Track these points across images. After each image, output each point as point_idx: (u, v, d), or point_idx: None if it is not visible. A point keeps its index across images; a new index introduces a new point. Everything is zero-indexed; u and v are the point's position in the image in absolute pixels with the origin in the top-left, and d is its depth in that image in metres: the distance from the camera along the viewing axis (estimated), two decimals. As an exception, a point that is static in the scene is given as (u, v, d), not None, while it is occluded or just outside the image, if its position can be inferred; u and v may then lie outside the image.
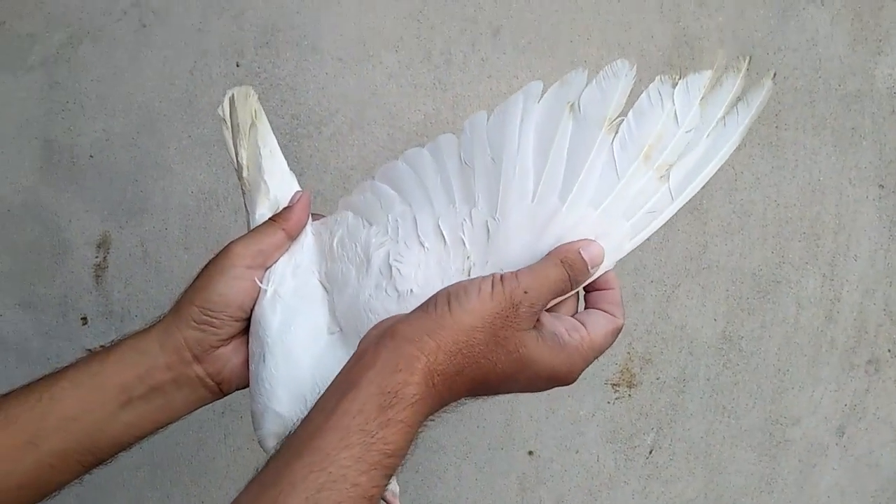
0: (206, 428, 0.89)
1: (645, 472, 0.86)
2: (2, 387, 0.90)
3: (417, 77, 0.85)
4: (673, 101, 0.45)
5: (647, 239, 0.87)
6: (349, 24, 0.84)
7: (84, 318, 0.88)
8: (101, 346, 0.47)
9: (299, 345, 0.46)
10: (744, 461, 0.86)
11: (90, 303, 0.88)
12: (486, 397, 0.42)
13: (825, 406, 0.85)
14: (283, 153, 0.86)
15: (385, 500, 0.46)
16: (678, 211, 0.45)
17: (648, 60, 0.84)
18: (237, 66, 0.86)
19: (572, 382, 0.42)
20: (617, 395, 0.85)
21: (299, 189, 0.51)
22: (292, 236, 0.48)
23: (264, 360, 0.45)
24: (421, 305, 0.41)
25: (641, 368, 0.84)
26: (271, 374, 0.45)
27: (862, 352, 0.84)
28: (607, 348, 0.43)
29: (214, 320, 0.46)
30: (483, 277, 0.41)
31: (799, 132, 0.83)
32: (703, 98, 0.45)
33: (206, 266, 0.47)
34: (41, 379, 0.46)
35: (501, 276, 0.41)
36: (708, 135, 0.46)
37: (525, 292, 0.40)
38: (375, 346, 0.40)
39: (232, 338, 0.47)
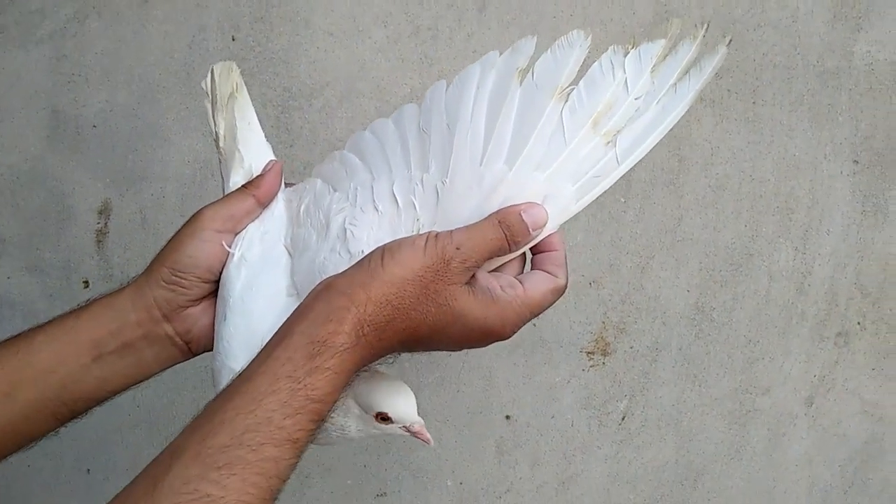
0: (201, 388, 0.93)
1: (618, 438, 0.89)
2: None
3: (405, 52, 0.88)
4: (624, 69, 0.47)
5: (623, 212, 0.90)
6: (340, 0, 0.87)
7: (86, 282, 0.93)
8: (77, 305, 0.49)
9: (258, 306, 0.48)
10: (714, 429, 0.88)
11: (92, 267, 0.92)
12: (422, 352, 0.44)
13: (795, 377, 0.86)
14: (275, 124, 0.90)
15: (412, 431, 0.48)
16: (625, 174, 0.47)
17: (629, 35, 0.85)
18: (233, 39, 0.89)
19: (508, 337, 0.44)
20: (592, 362, 0.88)
21: (273, 158, 0.53)
22: (263, 203, 0.50)
23: (225, 320, 0.48)
24: (359, 261, 0.44)
25: (616, 337, 0.87)
26: (230, 333, 0.47)
27: (832, 324, 0.86)
28: (547, 307, 0.45)
29: (183, 281, 0.47)
30: (419, 234, 0.43)
31: (776, 108, 0.84)
32: (654, 66, 0.47)
33: (178, 230, 0.49)
34: (19, 334, 0.48)
35: (436, 234, 0.43)
36: (658, 101, 0.47)
37: (457, 248, 0.42)
38: (312, 299, 0.42)
39: (201, 299, 0.49)
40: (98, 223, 0.92)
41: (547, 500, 0.90)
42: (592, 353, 0.88)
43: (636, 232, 0.86)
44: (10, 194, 0.93)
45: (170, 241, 0.49)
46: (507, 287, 0.44)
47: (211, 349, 0.49)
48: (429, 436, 0.48)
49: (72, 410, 0.48)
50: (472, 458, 0.90)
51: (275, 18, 0.88)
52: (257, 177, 0.50)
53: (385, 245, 0.43)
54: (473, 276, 0.43)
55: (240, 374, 0.41)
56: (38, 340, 0.47)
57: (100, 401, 0.49)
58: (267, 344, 0.42)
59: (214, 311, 0.49)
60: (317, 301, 0.42)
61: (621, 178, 0.89)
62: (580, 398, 0.88)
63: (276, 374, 0.39)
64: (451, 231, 0.43)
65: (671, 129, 0.48)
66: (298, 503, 0.93)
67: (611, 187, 0.90)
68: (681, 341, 0.87)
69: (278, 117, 0.89)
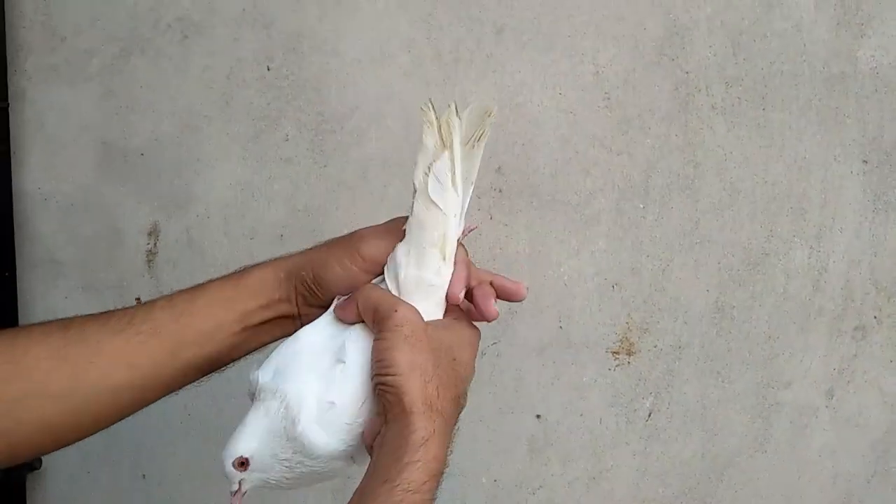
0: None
1: (645, 434, 0.92)
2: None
3: (428, 74, 0.93)
4: (436, 204, 0.49)
5: (643, 217, 0.94)
6: (367, 29, 0.93)
7: (138, 299, 0.99)
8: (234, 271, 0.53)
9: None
10: (738, 423, 0.91)
11: (143, 285, 0.98)
12: (466, 389, 0.49)
13: (815, 371, 0.89)
14: (309, 147, 0.96)
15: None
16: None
17: (642, 51, 0.90)
18: (268, 70, 0.95)
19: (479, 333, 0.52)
20: (617, 362, 0.92)
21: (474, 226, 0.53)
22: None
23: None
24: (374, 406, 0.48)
25: (640, 337, 0.91)
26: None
27: (849, 319, 0.88)
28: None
29: (319, 293, 0.52)
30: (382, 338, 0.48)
31: (785, 113, 0.88)
32: (453, 179, 0.49)
33: (338, 239, 0.53)
34: (181, 292, 0.52)
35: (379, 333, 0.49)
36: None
37: (395, 311, 0.48)
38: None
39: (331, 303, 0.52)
40: (148, 244, 0.98)
41: (579, 496, 0.94)
42: (618, 352, 0.91)
43: (655, 235, 0.90)
44: (65, 220, 0.99)
45: (326, 245, 0.53)
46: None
47: None
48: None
49: (217, 370, 0.53)
50: (506, 455, 0.94)
51: (306, 49, 0.94)
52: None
53: (377, 370, 0.47)
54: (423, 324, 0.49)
55: None
56: (199, 304, 0.51)
57: (230, 362, 0.53)
58: (363, 478, 0.46)
59: None
60: (381, 444, 0.46)
61: (639, 185, 0.93)
62: (607, 396, 0.92)
63: (374, 485, 0.44)
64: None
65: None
66: (334, 501, 0.97)
67: (630, 194, 0.94)
68: (703, 339, 0.90)
69: (312, 140, 0.95)
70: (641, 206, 0.90)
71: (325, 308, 0.52)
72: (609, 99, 0.91)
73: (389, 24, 0.92)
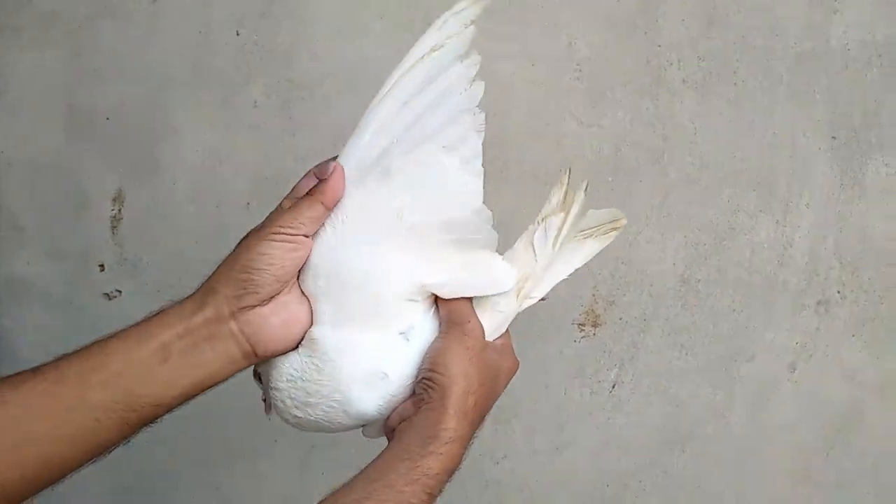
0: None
1: (609, 405, 0.92)
2: (27, 326, 1.00)
3: (402, 42, 0.92)
4: (533, 247, 0.54)
5: (612, 190, 0.94)
6: (339, -6, 0.92)
7: (101, 266, 0.98)
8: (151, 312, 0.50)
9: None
10: (701, 395, 0.92)
11: (107, 252, 0.97)
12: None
13: (778, 344, 0.90)
14: (278, 114, 0.95)
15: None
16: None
17: (615, 23, 0.90)
18: (237, 34, 0.94)
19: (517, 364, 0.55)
20: (582, 334, 0.92)
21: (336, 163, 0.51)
22: (329, 208, 0.50)
23: None
24: (419, 396, 0.50)
25: (605, 310, 0.91)
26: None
27: (812, 293, 0.89)
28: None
29: (255, 278, 0.48)
30: (441, 338, 0.51)
31: (756, 89, 0.88)
32: (556, 238, 0.54)
33: (247, 235, 0.49)
34: (97, 340, 0.48)
35: (445, 331, 0.51)
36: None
37: (468, 322, 0.51)
38: (403, 430, 0.50)
39: (270, 299, 0.49)
40: (112, 210, 0.97)
41: (541, 466, 0.94)
42: (583, 324, 0.91)
43: (624, 208, 0.89)
44: (29, 185, 0.98)
45: (240, 243, 0.50)
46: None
47: (277, 353, 0.50)
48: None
49: (141, 417, 0.48)
50: (471, 428, 0.94)
51: (278, 13, 0.93)
52: (322, 181, 0.50)
53: (430, 365, 0.50)
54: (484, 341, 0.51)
55: (361, 471, 0.47)
56: (111, 346, 0.48)
57: (168, 407, 0.49)
58: (382, 452, 0.48)
59: (285, 312, 0.49)
60: (409, 427, 0.49)
61: (609, 157, 0.93)
62: (572, 368, 0.92)
63: (394, 460, 0.47)
64: (451, 324, 0.51)
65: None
66: (302, 474, 0.97)
67: (599, 167, 0.93)
68: (668, 312, 0.91)
69: (281, 107, 0.94)
70: (610, 179, 0.90)
71: (269, 299, 0.49)
72: (581, 71, 0.90)
73: (362, -10, 0.91)
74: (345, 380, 0.49)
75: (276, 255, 0.48)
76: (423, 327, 0.51)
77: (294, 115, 0.94)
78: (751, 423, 0.91)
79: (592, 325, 0.91)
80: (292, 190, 0.51)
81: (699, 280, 0.90)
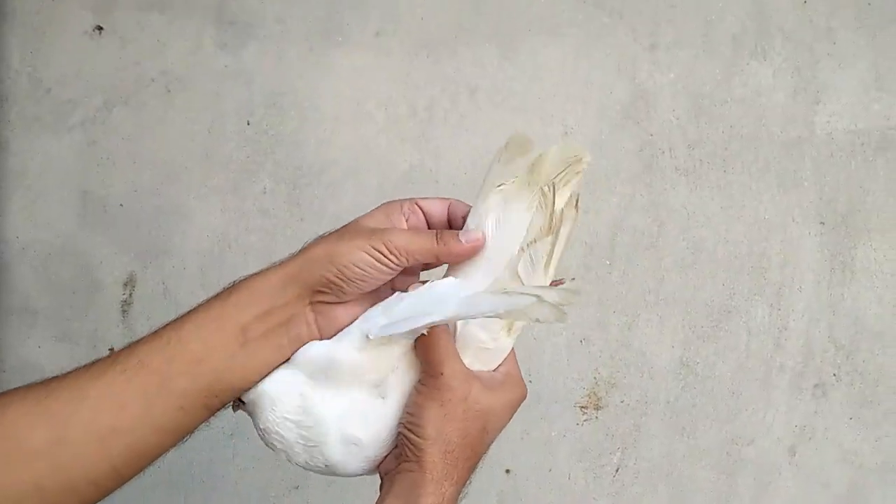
0: (216, 448, 0.98)
1: (613, 490, 0.93)
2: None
3: (404, 131, 0.96)
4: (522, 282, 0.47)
5: (609, 273, 0.96)
6: (345, 86, 0.96)
7: (112, 350, 0.99)
8: (224, 288, 0.49)
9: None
10: (703, 479, 0.92)
11: (118, 335, 0.99)
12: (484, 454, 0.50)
13: (777, 427, 0.91)
14: (287, 200, 0.98)
15: None
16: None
17: (609, 113, 0.94)
18: (248, 124, 0.98)
19: (525, 393, 0.51)
20: (585, 416, 0.93)
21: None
22: (439, 264, 0.48)
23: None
24: (398, 453, 0.48)
25: (607, 392, 0.92)
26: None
27: (809, 376, 0.91)
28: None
29: (345, 287, 0.47)
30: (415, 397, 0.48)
31: (745, 175, 0.92)
32: (545, 264, 0.47)
33: (355, 225, 0.48)
34: (168, 324, 0.47)
35: (420, 384, 0.48)
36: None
37: (441, 374, 0.47)
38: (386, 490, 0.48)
39: (348, 301, 0.48)
40: (123, 294, 0.99)
41: (547, 551, 0.94)
42: (586, 407, 0.93)
43: (621, 292, 0.93)
44: (42, 269, 1.00)
45: (331, 239, 0.48)
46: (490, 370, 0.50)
47: None
48: None
49: (222, 401, 0.48)
50: (475, 511, 0.94)
51: (286, 105, 0.97)
52: (457, 239, 0.47)
53: (406, 422, 0.48)
54: (472, 377, 0.48)
55: None
56: (187, 329, 0.47)
57: (245, 389, 0.48)
58: None
59: (359, 312, 0.48)
60: (390, 490, 0.47)
61: (605, 242, 0.95)
62: (576, 451, 0.93)
63: None
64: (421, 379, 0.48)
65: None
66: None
67: (597, 251, 0.96)
68: (668, 395, 0.92)
69: (290, 193, 0.97)
70: (608, 262, 0.93)
71: (348, 302, 0.48)
72: (577, 159, 0.94)
73: (367, 82, 0.96)
74: (323, 441, 0.48)
75: (373, 273, 0.47)
76: (400, 378, 0.48)
77: (302, 200, 0.97)
78: (754, 506, 0.92)
79: (595, 408, 0.92)
80: (416, 201, 0.49)
81: (698, 362, 0.92)
